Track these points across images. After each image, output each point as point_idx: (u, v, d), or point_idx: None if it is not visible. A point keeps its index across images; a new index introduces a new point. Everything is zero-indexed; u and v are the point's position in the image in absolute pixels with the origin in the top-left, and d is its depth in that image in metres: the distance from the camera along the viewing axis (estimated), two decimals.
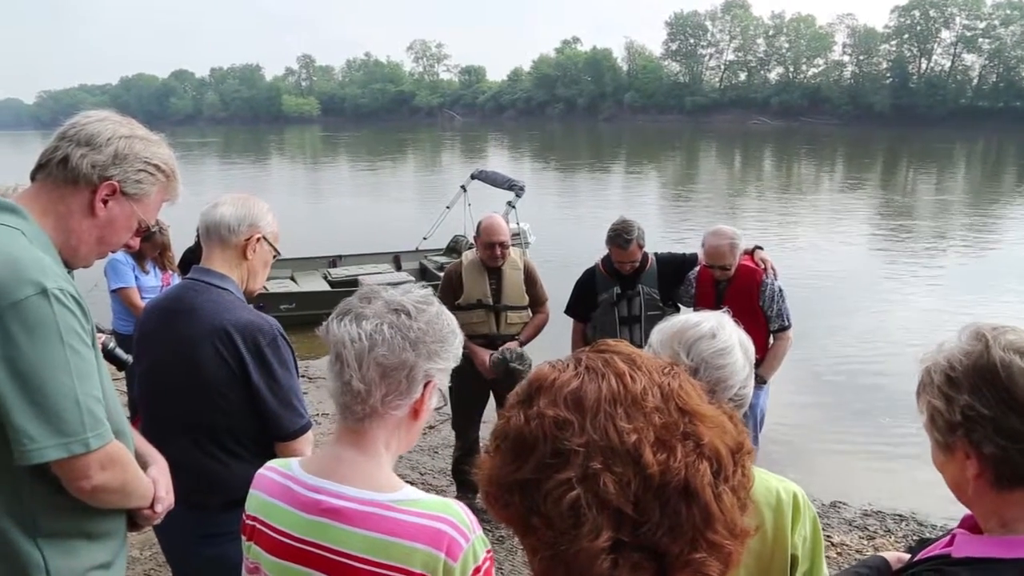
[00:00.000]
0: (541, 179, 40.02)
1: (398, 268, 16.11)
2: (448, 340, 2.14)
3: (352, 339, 2.06)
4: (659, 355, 1.76)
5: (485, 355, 6.29)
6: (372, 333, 2.06)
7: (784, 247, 19.96)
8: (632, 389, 1.39)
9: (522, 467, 1.38)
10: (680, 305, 6.27)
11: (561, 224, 24.29)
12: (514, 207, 14.66)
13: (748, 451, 1.44)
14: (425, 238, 16.89)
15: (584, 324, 6.45)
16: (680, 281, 6.27)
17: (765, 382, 6.00)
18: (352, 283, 14.53)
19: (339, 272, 15.50)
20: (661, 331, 2.46)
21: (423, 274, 15.69)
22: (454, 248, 16.21)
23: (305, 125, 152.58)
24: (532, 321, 6.46)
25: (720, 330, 2.42)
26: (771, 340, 6.06)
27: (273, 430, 3.17)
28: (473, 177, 15.77)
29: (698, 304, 6.03)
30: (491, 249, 6.25)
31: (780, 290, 6.01)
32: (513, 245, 6.49)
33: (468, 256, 6.44)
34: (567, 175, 43.38)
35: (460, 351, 2.18)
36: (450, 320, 2.17)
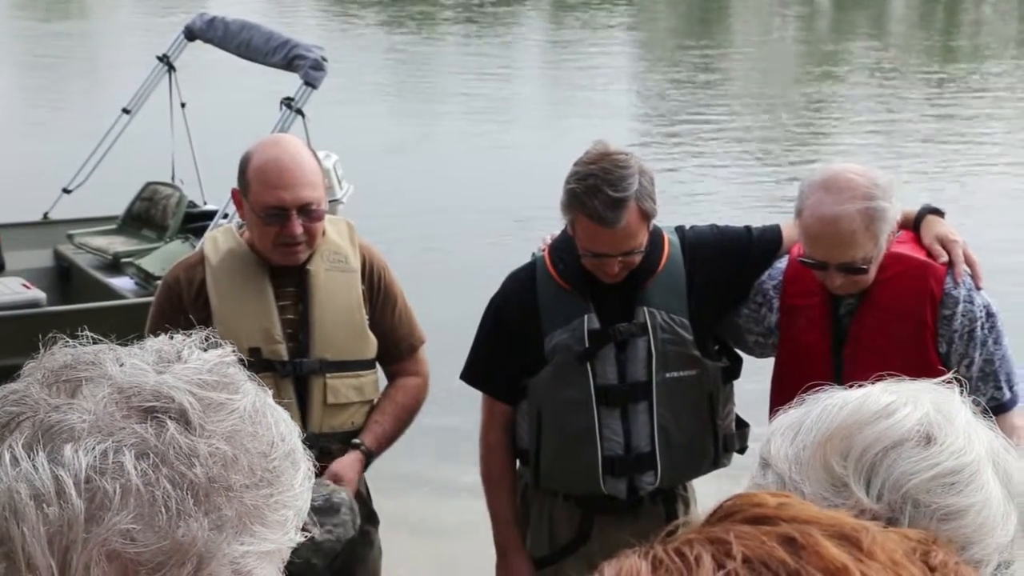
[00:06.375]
0: (365, 37, 19.74)
1: None
2: (283, 478, 0.96)
3: (38, 497, 0.85)
4: (792, 487, 1.12)
5: None
6: (93, 476, 0.87)
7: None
8: None
9: None
10: (741, 354, 3.41)
11: (428, 154, 12.14)
12: (302, 113, 7.13)
13: None
14: (68, 190, 8.04)
15: (509, 408, 3.37)
16: (742, 294, 3.36)
17: None
18: None
19: None
20: (797, 426, 1.22)
21: (65, 280, 7.43)
22: (147, 216, 7.52)
23: None
24: (388, 399, 3.40)
25: (943, 428, 1.20)
26: None
27: None
28: (191, 36, 7.78)
29: (787, 353, 3.26)
30: (282, 222, 3.09)
31: (989, 315, 3.18)
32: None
33: (221, 240, 3.30)
34: (417, 30, 21.08)
35: (306, 504, 0.99)
36: (283, 428, 0.99)
